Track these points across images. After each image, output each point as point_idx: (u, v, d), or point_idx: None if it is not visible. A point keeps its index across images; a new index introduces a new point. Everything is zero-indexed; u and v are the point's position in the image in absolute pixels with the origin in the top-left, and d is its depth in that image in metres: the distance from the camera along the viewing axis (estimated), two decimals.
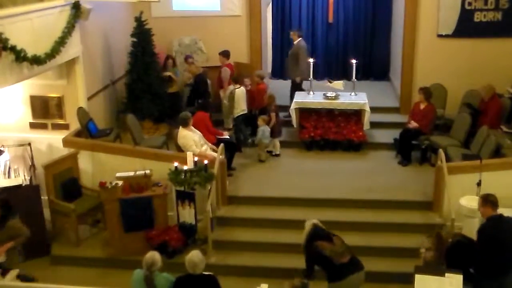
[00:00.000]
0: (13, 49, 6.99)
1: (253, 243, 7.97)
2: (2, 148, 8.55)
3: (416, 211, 8.28)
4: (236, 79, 10.41)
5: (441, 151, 8.40)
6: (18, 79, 7.54)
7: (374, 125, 10.56)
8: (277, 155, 10.11)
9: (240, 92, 10.26)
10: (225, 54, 10.95)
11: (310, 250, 6.08)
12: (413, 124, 9.66)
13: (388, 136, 10.37)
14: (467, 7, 10.62)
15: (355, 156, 10.10)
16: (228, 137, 9.47)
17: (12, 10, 7.39)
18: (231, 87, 10.42)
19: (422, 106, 9.72)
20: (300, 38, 11.35)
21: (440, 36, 10.83)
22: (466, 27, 10.69)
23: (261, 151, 9.94)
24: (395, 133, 10.02)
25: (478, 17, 10.65)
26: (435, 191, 8.24)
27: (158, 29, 10.83)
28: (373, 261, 7.56)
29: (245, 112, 10.40)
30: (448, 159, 8.38)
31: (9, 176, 8.30)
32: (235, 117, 10.32)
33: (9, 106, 9.02)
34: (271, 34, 13.67)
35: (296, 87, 11.33)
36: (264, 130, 9.84)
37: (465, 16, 10.65)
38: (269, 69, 13.76)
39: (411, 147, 9.68)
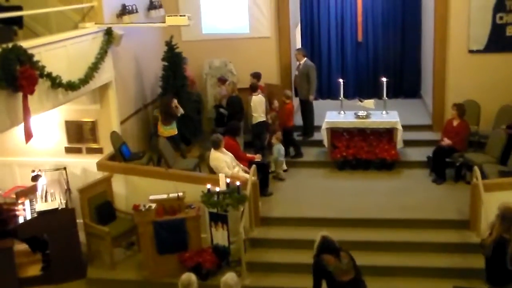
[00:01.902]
0: (49, 76, 7.16)
1: (287, 264, 7.91)
2: (39, 173, 8.73)
3: (452, 230, 8.11)
4: (254, 87, 10.53)
5: (476, 168, 8.24)
6: (54, 105, 7.69)
7: (406, 143, 10.43)
8: (285, 171, 10.19)
9: (258, 99, 10.34)
10: (256, 76, 10.98)
11: (317, 263, 6.00)
12: (447, 142, 9.51)
13: (421, 154, 10.24)
14: (498, 21, 10.49)
15: (388, 175, 9.99)
16: (259, 159, 9.46)
17: (48, 38, 7.61)
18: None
19: (455, 123, 9.58)
20: (306, 58, 11.28)
21: (471, 51, 10.71)
22: (498, 41, 10.56)
23: (278, 170, 10.01)
24: (428, 151, 9.89)
25: (510, 31, 10.51)
26: (471, 209, 8.07)
27: (188, 53, 11.02)
28: (409, 281, 7.46)
29: (264, 120, 10.47)
30: (483, 177, 8.21)
31: (46, 200, 8.44)
32: (253, 124, 10.37)
33: (46, 132, 9.22)
34: None
35: (309, 105, 11.28)
36: (279, 148, 9.95)
37: (497, 30, 10.53)
38: None
39: (445, 165, 9.52)
